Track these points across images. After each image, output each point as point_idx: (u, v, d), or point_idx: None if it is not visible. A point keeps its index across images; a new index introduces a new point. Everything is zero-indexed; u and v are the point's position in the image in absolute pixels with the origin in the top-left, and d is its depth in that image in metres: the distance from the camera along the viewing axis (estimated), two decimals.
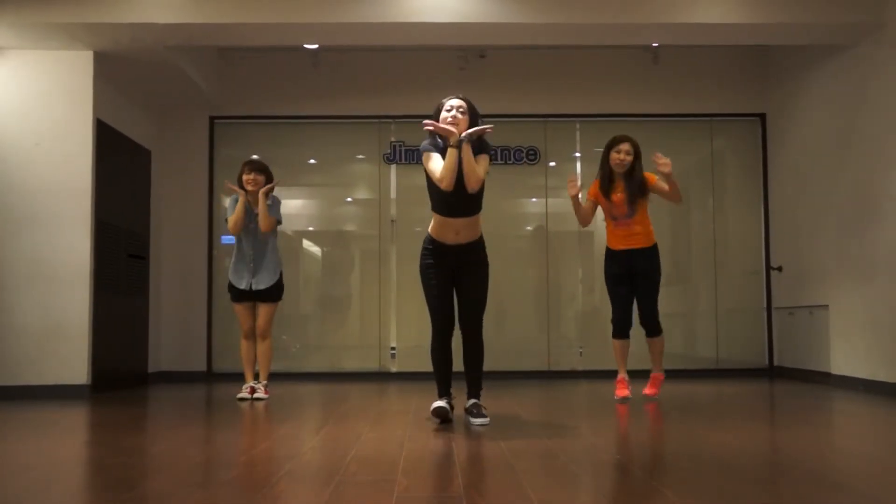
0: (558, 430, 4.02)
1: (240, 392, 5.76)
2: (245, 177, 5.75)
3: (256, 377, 5.86)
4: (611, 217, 5.32)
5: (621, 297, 5.33)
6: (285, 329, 7.90)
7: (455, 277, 4.35)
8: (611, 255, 5.38)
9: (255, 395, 5.72)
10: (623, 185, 5.25)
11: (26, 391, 5.95)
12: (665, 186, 5.23)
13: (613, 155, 5.26)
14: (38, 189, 6.12)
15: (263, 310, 5.76)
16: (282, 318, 7.72)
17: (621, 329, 5.35)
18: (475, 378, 4.37)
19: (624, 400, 5.25)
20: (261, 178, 5.75)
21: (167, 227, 7.74)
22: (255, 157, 6.26)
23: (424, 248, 4.36)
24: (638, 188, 5.22)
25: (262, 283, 5.73)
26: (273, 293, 5.78)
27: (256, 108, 7.90)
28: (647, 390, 5.45)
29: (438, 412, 4.22)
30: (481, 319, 4.37)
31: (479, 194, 4.24)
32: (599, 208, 5.44)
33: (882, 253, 5.92)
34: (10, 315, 6.03)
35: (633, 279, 5.31)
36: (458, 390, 4.43)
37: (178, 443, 3.83)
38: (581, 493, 2.74)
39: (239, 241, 5.77)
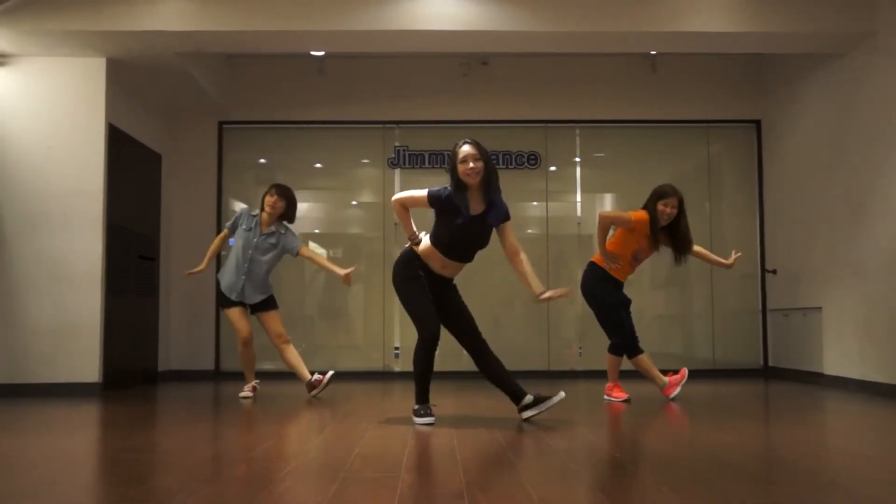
0: (558, 429, 4.01)
1: (242, 391, 5.76)
2: (268, 198, 5.62)
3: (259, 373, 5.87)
4: (634, 258, 5.24)
5: (626, 320, 5.30)
6: (291, 329, 7.86)
7: (436, 300, 4.32)
8: (616, 282, 5.28)
9: (314, 393, 5.57)
10: (664, 237, 5.22)
11: (39, 389, 5.95)
12: (696, 250, 5.46)
13: (660, 206, 5.16)
14: (51, 192, 6.13)
15: (269, 321, 5.65)
16: (287, 318, 7.70)
17: (622, 350, 5.33)
18: (514, 382, 4.32)
19: (627, 401, 5.25)
20: (281, 204, 5.61)
21: (177, 229, 7.75)
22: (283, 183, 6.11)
23: (409, 263, 4.26)
24: (684, 243, 5.24)
25: (253, 298, 5.64)
26: (268, 303, 5.70)
27: (264, 113, 7.90)
28: (680, 372, 5.42)
29: (419, 412, 4.22)
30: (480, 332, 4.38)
31: (481, 247, 4.33)
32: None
33: (873, 256, 5.91)
34: (23, 315, 6.04)
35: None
36: (461, 391, 4.41)
37: (186, 439, 3.83)
38: (580, 490, 2.73)
39: (238, 251, 5.63)
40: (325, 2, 5.91)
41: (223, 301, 5.71)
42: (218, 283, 5.78)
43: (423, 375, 4.26)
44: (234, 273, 5.62)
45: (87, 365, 6.07)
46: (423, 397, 4.28)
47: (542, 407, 4.25)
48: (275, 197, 5.60)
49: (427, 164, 7.76)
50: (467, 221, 4.15)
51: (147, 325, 7.18)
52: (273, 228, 5.66)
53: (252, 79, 7.91)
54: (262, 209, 5.66)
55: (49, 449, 3.56)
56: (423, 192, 4.23)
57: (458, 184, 4.16)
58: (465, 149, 4.16)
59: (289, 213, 5.69)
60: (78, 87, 6.26)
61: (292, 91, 7.92)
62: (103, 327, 6.16)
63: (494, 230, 4.29)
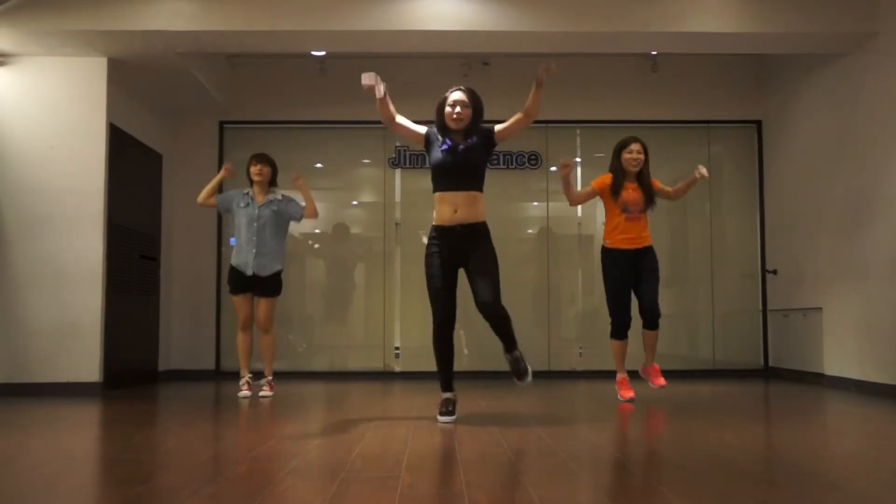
0: (558, 429, 4.02)
1: (239, 390, 5.76)
2: (252, 168, 5.82)
3: (254, 373, 5.89)
4: (623, 210, 5.23)
5: (624, 298, 5.27)
6: (291, 329, 7.91)
7: (462, 265, 4.28)
8: (615, 255, 5.24)
9: (261, 394, 5.71)
10: (636, 183, 5.25)
11: (40, 388, 5.95)
12: (669, 190, 5.36)
13: (625, 155, 5.23)
14: (52, 191, 6.13)
15: (263, 304, 5.74)
16: (288, 317, 7.74)
17: (623, 330, 5.29)
18: (506, 336, 4.21)
19: (631, 400, 5.23)
20: (267, 170, 5.83)
21: (177, 229, 7.75)
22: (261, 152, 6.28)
23: (429, 240, 4.33)
24: (649, 188, 5.25)
25: (264, 269, 5.72)
26: (273, 286, 5.76)
27: (265, 113, 7.91)
28: (658, 381, 5.32)
29: (443, 404, 4.26)
30: (498, 293, 4.16)
31: (475, 170, 4.26)
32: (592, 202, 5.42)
33: (874, 257, 5.91)
34: (24, 314, 6.05)
35: (635, 277, 5.26)
36: (462, 391, 4.42)
37: (187, 439, 3.83)
38: (580, 490, 2.73)
39: (242, 228, 5.77)
40: (326, 2, 5.92)
41: (231, 285, 5.82)
42: (230, 269, 5.82)
43: (439, 361, 4.31)
44: (245, 249, 5.74)
45: (87, 364, 6.08)
46: (444, 385, 4.32)
47: (517, 373, 4.25)
48: (259, 165, 5.81)
49: (427, 164, 7.75)
50: (449, 146, 4.25)
51: (148, 324, 7.19)
52: (270, 197, 5.81)
53: (253, 79, 7.92)
54: (251, 182, 5.83)
55: (50, 448, 3.56)
56: (422, 129, 4.41)
57: (442, 125, 4.31)
58: (456, 95, 4.30)
59: (274, 178, 5.91)
60: (79, 86, 6.26)
61: (293, 91, 7.93)
62: (104, 327, 6.17)
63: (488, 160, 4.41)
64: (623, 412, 4.82)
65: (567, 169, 5.19)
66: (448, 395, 4.33)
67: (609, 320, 5.35)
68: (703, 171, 5.31)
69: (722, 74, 7.92)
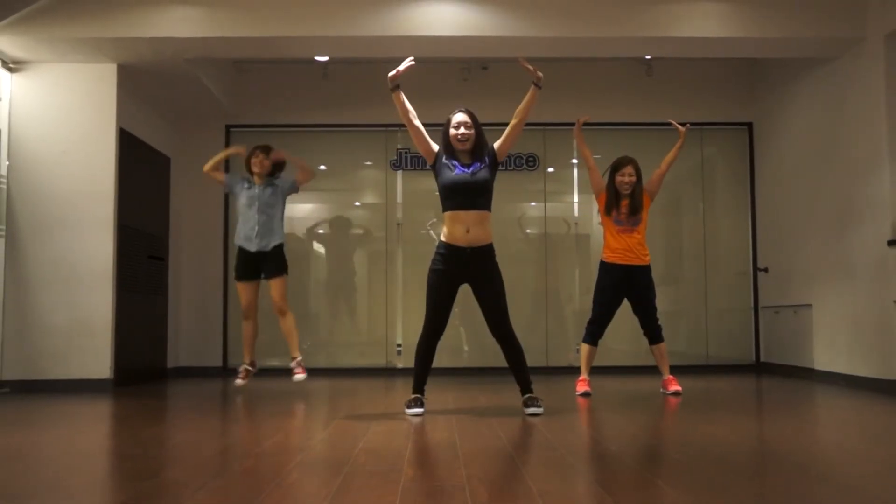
0: (556, 424, 4.02)
1: (236, 377, 5.80)
2: (253, 159, 5.80)
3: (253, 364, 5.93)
4: (615, 222, 5.33)
5: (607, 309, 5.34)
6: (296, 326, 7.89)
7: (466, 282, 4.36)
8: (608, 269, 5.34)
9: (295, 377, 5.71)
10: (627, 201, 5.34)
11: (53, 385, 5.96)
12: (662, 168, 5.51)
13: (618, 178, 5.34)
14: (64, 194, 6.13)
15: (274, 286, 5.70)
16: (293, 315, 7.72)
17: (595, 338, 5.39)
18: (523, 378, 4.40)
19: (586, 394, 5.28)
20: (268, 163, 5.81)
21: (185, 229, 7.75)
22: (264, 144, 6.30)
23: (436, 254, 4.35)
24: (639, 205, 5.32)
25: (267, 245, 5.71)
26: (278, 264, 5.72)
27: (270, 116, 7.90)
28: (673, 386, 5.38)
29: (412, 399, 4.36)
30: (509, 322, 4.38)
31: (485, 190, 4.30)
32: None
33: (862, 255, 5.91)
34: (37, 313, 6.05)
35: (627, 294, 5.33)
36: (462, 387, 4.42)
37: (195, 434, 3.83)
38: (578, 483, 2.73)
39: (244, 207, 5.76)
40: (330, 8, 5.92)
41: (238, 270, 5.83)
42: (238, 250, 5.81)
43: (419, 363, 4.40)
44: (248, 225, 5.73)
45: (99, 362, 6.08)
46: (415, 387, 4.42)
47: (527, 411, 4.32)
48: (260, 157, 5.78)
49: (428, 167, 7.74)
50: (460, 172, 4.29)
51: (156, 322, 7.19)
52: (268, 181, 5.81)
53: (258, 83, 7.91)
54: (251, 171, 5.81)
55: (63, 444, 3.57)
56: (434, 146, 4.39)
57: (448, 148, 4.36)
58: (459, 116, 4.37)
59: (274, 171, 5.86)
60: (90, 92, 6.27)
61: (297, 95, 7.93)
62: (114, 325, 6.17)
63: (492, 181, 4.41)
64: (619, 407, 4.82)
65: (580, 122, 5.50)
66: (417, 395, 4.40)
67: (588, 324, 5.43)
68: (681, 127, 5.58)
69: (714, 78, 7.92)
